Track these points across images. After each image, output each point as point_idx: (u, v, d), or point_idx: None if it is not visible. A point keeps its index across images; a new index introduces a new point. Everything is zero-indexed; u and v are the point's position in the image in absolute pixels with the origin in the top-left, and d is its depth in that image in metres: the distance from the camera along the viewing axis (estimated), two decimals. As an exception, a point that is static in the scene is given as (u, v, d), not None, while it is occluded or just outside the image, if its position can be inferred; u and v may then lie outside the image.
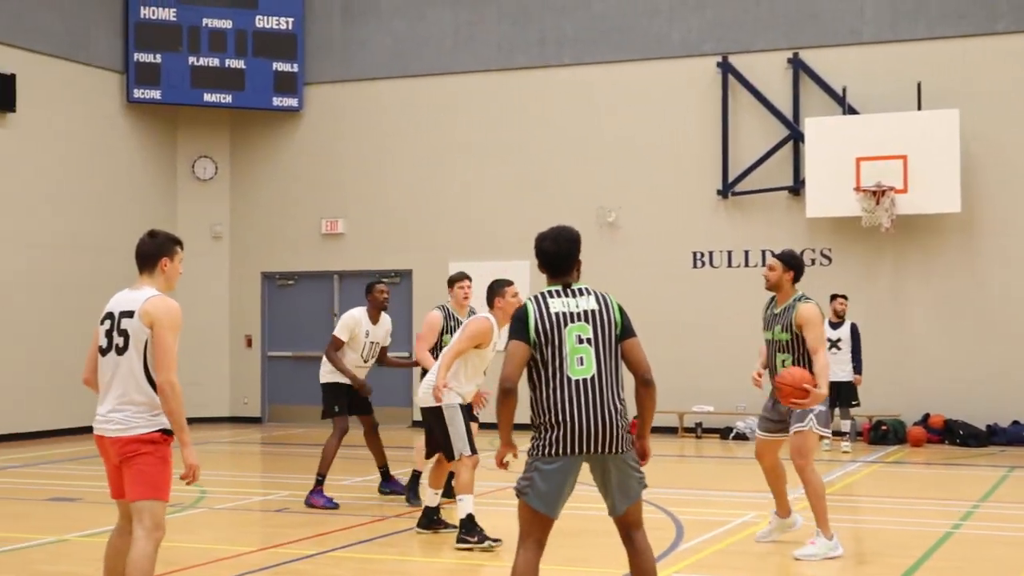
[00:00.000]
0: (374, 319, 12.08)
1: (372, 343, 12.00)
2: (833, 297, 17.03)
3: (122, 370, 6.30)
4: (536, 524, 6.03)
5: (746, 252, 19.26)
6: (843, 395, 16.52)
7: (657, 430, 19.07)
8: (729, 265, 19.29)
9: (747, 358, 18.19)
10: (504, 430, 6.04)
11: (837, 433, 17.09)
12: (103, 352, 6.41)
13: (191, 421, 12.70)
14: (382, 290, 12.16)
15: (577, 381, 6.11)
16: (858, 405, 16.85)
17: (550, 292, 6.59)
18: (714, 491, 12.99)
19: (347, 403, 11.95)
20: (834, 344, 16.71)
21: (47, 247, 19.10)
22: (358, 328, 11.92)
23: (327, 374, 12.07)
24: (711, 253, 19.43)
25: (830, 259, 18.82)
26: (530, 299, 6.34)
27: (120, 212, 20.54)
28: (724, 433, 18.62)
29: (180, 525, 10.62)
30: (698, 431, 18.88)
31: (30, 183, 18.95)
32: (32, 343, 18.72)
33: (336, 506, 11.48)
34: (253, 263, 21.90)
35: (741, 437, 18.38)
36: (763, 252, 19.13)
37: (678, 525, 10.36)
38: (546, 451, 5.96)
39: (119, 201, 20.59)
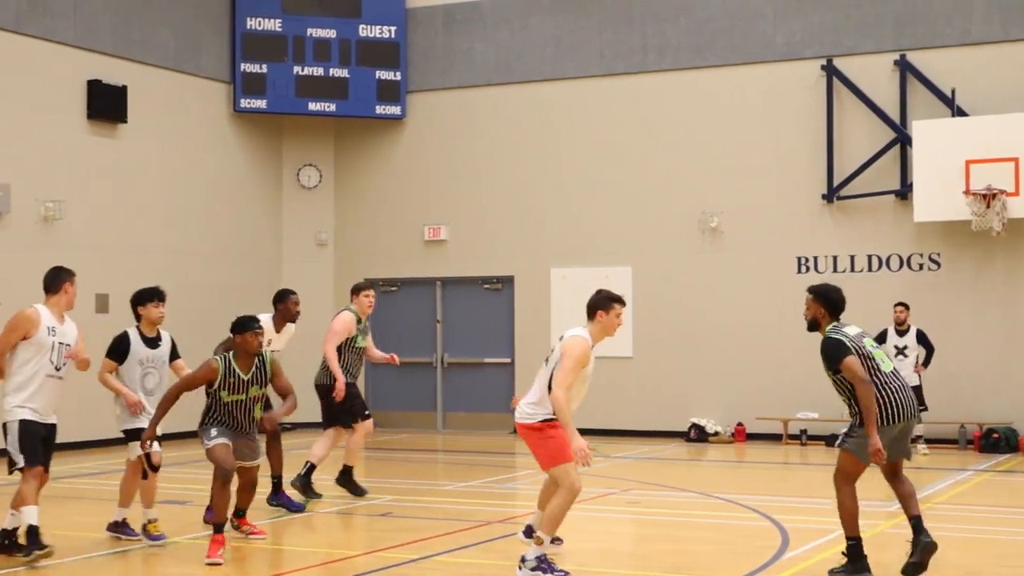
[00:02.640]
0: (278, 328, 11.82)
1: (272, 351, 10.84)
2: (895, 306, 17.28)
3: None
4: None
5: (852, 257, 19.03)
6: None
7: (761, 437, 18.95)
8: (834, 271, 19.07)
9: (853, 365, 17.99)
10: None
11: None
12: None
13: (298, 426, 12.77)
14: (296, 302, 11.90)
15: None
16: (925, 410, 16.78)
17: (840, 324, 8.83)
18: (820, 499, 12.83)
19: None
20: (900, 351, 17.04)
21: (155, 255, 19.51)
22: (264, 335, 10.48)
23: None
24: (816, 258, 19.22)
25: (939, 264, 18.52)
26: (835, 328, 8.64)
27: (227, 219, 20.91)
28: (829, 440, 18.39)
29: (289, 529, 10.79)
30: (803, 438, 18.68)
31: (139, 192, 19.37)
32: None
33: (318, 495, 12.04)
34: (357, 269, 22.11)
35: (847, 445, 18.10)
36: (869, 257, 18.89)
37: (783, 533, 10.27)
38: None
39: (225, 208, 20.96)
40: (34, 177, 17.81)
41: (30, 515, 8.90)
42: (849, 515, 8.78)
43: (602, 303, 9.15)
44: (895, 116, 18.77)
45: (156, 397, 9.80)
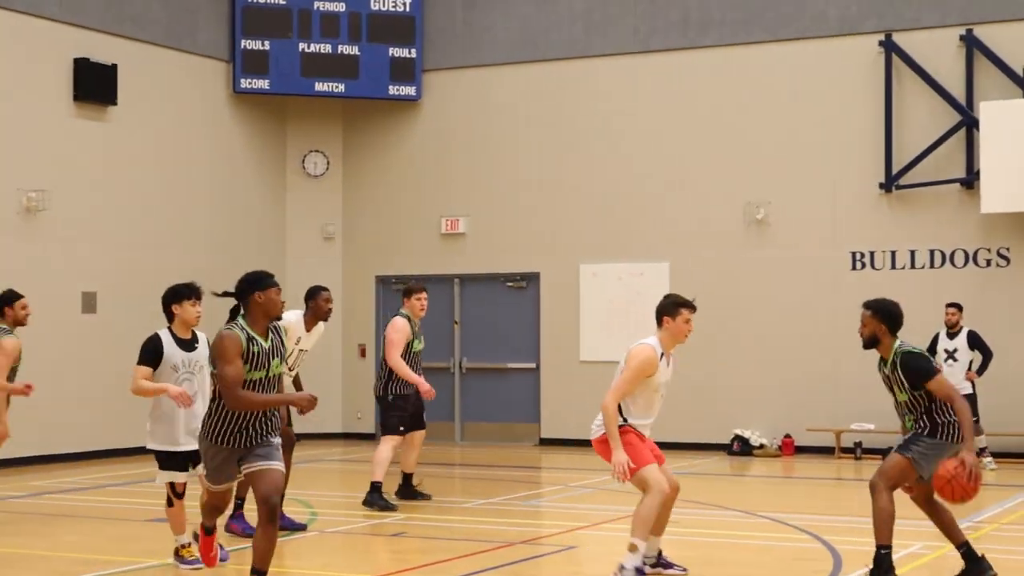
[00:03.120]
0: (309, 327, 12.01)
1: (300, 351, 11.85)
2: (946, 307, 17.39)
3: None
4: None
5: (912, 252, 18.98)
6: None
7: (812, 450, 18.91)
8: (893, 267, 19.02)
9: (914, 371, 17.94)
10: None
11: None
12: None
13: (300, 437, 12.81)
14: (328, 299, 12.01)
15: None
16: (978, 421, 16.89)
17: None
18: (876, 519, 12.80)
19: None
20: (950, 355, 17.23)
21: (148, 246, 19.60)
22: (293, 334, 11.54)
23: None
24: (872, 254, 19.18)
25: (1008, 260, 18.46)
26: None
27: (226, 210, 21.00)
28: (887, 454, 18.31)
29: (289, 550, 10.83)
30: (857, 452, 18.65)
31: (131, 180, 19.46)
32: (133, 351, 19.16)
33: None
34: (367, 266, 22.19)
35: (907, 459, 18.07)
36: (931, 252, 18.84)
37: (836, 556, 10.27)
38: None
39: (224, 198, 21.05)
40: (16, 164, 17.92)
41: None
42: (889, 518, 8.99)
43: (668, 309, 9.43)
44: (960, 97, 18.71)
45: (197, 406, 9.48)
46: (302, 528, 11.65)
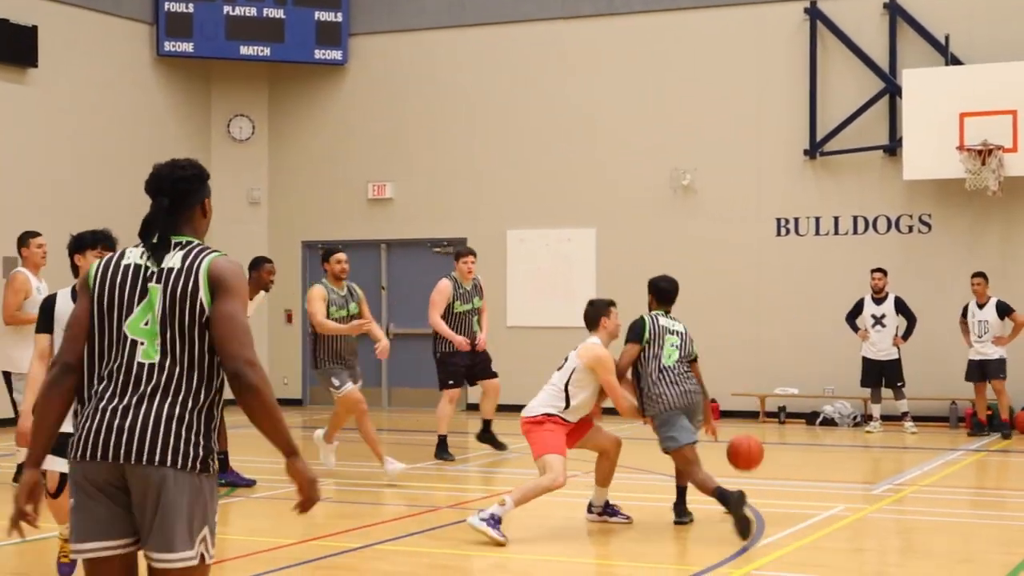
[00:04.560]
0: (251, 296, 12.11)
1: None
2: (872, 272, 17.63)
3: None
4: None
5: (836, 219, 19.12)
6: (888, 375, 17.22)
7: (737, 415, 19.06)
8: (817, 233, 19.16)
9: (836, 335, 18.16)
10: None
11: (890, 418, 17.32)
12: None
13: (227, 403, 12.86)
14: (271, 271, 12.70)
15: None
16: (903, 386, 17.35)
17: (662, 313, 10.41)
18: (799, 481, 12.95)
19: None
20: (878, 321, 17.53)
21: (70, 211, 19.31)
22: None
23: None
24: (796, 220, 19.31)
25: (930, 226, 18.65)
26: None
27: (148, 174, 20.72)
28: (810, 418, 18.55)
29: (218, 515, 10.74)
30: (781, 416, 18.82)
31: (51, 144, 19.17)
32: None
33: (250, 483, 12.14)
34: (293, 231, 22.04)
35: (829, 423, 18.29)
36: (854, 219, 18.99)
37: (759, 518, 10.34)
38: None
39: (148, 163, 20.50)
40: (-67, 127, 17.60)
41: None
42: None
43: (602, 310, 10.35)
44: (884, 64, 18.84)
45: None
46: (250, 484, 12.07)
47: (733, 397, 19.12)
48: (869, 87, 18.91)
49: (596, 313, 10.30)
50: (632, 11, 20.15)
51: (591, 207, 20.21)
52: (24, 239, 12.17)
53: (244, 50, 21.15)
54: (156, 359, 4.40)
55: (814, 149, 19.07)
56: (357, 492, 12.18)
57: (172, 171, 4.73)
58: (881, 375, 17.48)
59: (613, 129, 20.15)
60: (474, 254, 14.88)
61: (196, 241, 4.61)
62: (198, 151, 21.74)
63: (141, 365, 4.40)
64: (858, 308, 17.71)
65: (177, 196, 4.68)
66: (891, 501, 11.57)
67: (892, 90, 18.69)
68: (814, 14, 19.11)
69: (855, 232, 19.02)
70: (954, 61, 18.35)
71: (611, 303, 10.44)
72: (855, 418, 18.26)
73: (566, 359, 10.08)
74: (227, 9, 20.97)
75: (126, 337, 4.44)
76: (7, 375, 11.92)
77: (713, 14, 19.76)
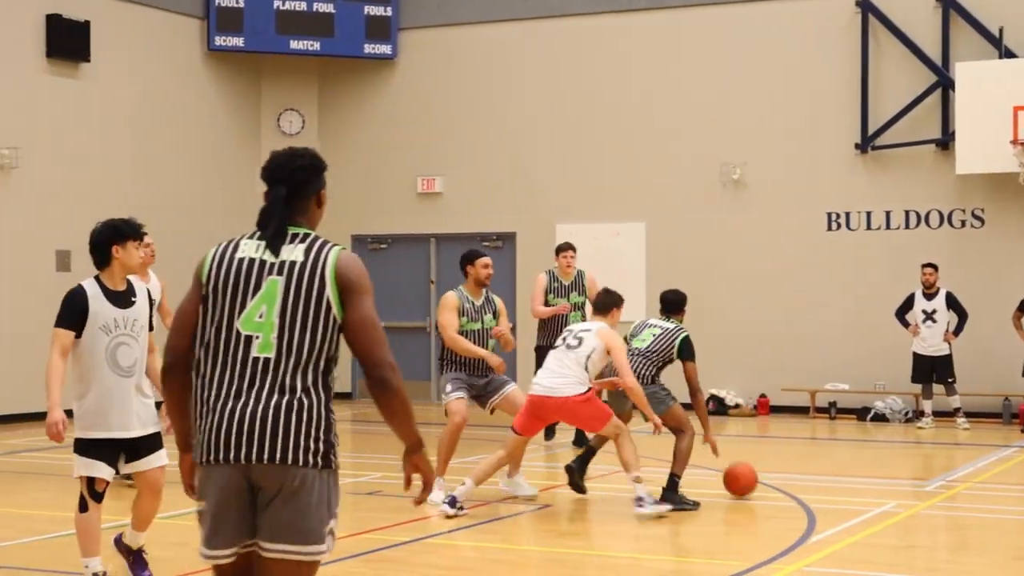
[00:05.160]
0: None
1: None
2: (923, 267, 17.51)
3: None
4: None
5: (887, 213, 19.00)
6: (939, 371, 17.10)
7: (787, 410, 18.98)
8: (868, 227, 19.04)
9: (886, 331, 18.04)
10: None
11: (942, 414, 17.19)
12: None
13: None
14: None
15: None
16: (954, 382, 17.24)
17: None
18: (850, 477, 12.88)
19: None
20: (929, 316, 17.38)
21: (122, 204, 19.37)
22: None
23: None
24: (848, 214, 19.20)
25: (982, 220, 18.50)
26: None
27: (200, 169, 20.87)
28: (861, 414, 18.43)
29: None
30: (832, 411, 18.72)
31: (103, 138, 19.32)
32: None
33: None
34: (343, 225, 22.08)
35: (880, 418, 18.17)
36: (906, 213, 18.86)
37: (810, 514, 10.30)
38: None
39: (199, 157, 20.91)
40: (-12, 122, 17.77)
41: None
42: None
43: (618, 301, 10.98)
44: (936, 58, 18.69)
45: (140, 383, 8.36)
46: None
47: (783, 392, 19.03)
48: (921, 80, 18.77)
49: (613, 302, 10.90)
50: (683, 5, 20.08)
51: (640, 201, 20.16)
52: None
53: (294, 44, 21.23)
54: (272, 354, 4.35)
55: (865, 143, 18.95)
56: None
57: (290, 160, 4.62)
58: (932, 371, 17.35)
59: (663, 123, 20.09)
60: (573, 248, 15.07)
61: (314, 233, 4.56)
62: (248, 146, 21.87)
63: (256, 360, 4.35)
64: (909, 303, 17.59)
65: (294, 185, 4.59)
66: (943, 498, 11.49)
67: (945, 83, 18.54)
68: (866, 7, 18.98)
69: (907, 227, 18.89)
70: (1008, 54, 18.18)
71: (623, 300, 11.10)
72: (906, 414, 18.14)
73: (579, 340, 10.50)
74: (277, 4, 21.05)
75: (239, 333, 4.38)
76: None
77: (764, 8, 19.67)
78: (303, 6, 21.14)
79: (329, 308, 4.40)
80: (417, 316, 21.50)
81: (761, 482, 11.57)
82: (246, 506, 4.37)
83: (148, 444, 7.56)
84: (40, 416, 17.81)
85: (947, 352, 17.30)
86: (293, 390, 4.33)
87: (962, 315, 17.33)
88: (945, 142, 18.55)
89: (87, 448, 7.35)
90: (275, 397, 4.32)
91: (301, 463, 4.31)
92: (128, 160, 19.67)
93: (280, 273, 4.40)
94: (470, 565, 8.74)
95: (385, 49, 21.56)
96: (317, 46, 21.32)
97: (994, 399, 18.05)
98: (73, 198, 18.77)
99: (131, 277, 7.76)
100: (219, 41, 20.93)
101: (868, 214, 19.09)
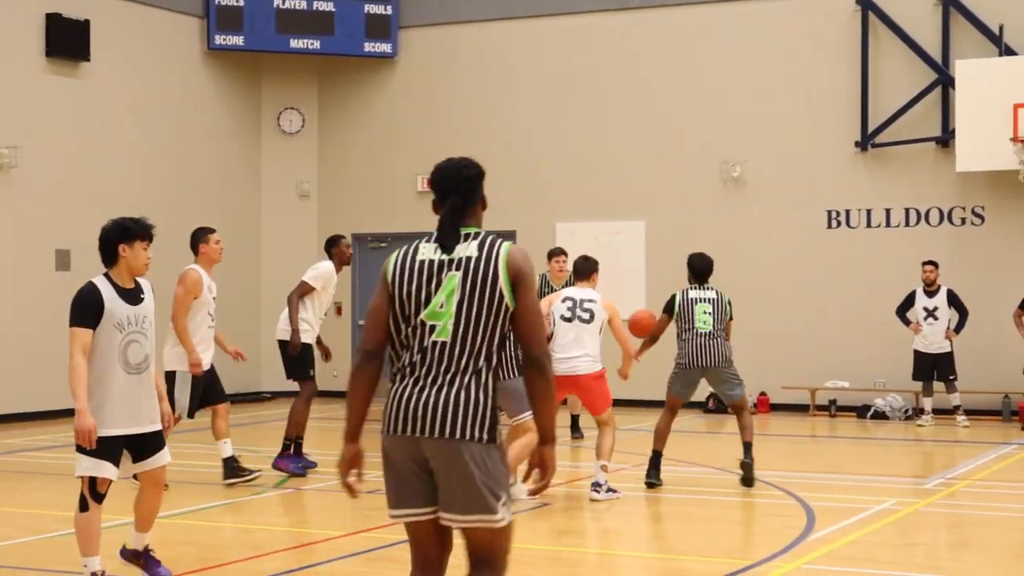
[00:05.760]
0: (338, 272, 12.91)
1: (331, 298, 13.07)
2: (923, 265, 17.51)
3: None
4: None
5: (887, 211, 19.00)
6: (940, 369, 17.05)
7: (787, 408, 18.97)
8: (868, 225, 19.04)
9: (887, 329, 18.04)
10: None
11: (942, 412, 17.18)
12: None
13: (277, 395, 12.86)
14: (348, 245, 13.04)
15: None
16: (955, 379, 17.25)
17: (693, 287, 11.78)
18: (849, 475, 12.88)
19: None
20: (930, 313, 17.39)
21: (122, 203, 19.36)
22: (331, 282, 12.68)
23: (286, 331, 12.57)
24: (848, 212, 19.19)
25: (983, 218, 18.49)
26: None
27: (200, 168, 20.87)
28: (861, 412, 18.43)
29: (266, 507, 10.82)
30: (832, 409, 18.72)
31: (103, 137, 19.31)
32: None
33: (314, 464, 12.40)
34: (343, 224, 22.05)
35: (880, 416, 18.18)
36: (906, 211, 18.86)
37: (809, 512, 10.30)
38: None
39: (199, 156, 20.91)
40: (-12, 121, 17.77)
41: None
42: (658, 433, 11.77)
43: (595, 267, 11.36)
44: (936, 55, 18.69)
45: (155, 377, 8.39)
46: (313, 465, 12.43)
47: (783, 391, 19.04)
48: (921, 78, 18.77)
49: (594, 267, 11.30)
50: (683, 3, 20.08)
51: (641, 199, 20.16)
52: (202, 235, 11.57)
53: (294, 43, 21.23)
54: (447, 338, 4.80)
55: (866, 141, 18.95)
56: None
57: (459, 171, 5.26)
58: (933, 368, 17.36)
59: (663, 121, 20.09)
60: (565, 253, 15.05)
61: (484, 230, 5.09)
62: (248, 144, 21.88)
63: (434, 344, 4.81)
64: (909, 301, 17.60)
65: (464, 194, 5.21)
66: (943, 496, 11.49)
67: (945, 81, 18.54)
68: (866, 4, 18.98)
69: (907, 224, 18.89)
70: (1008, 52, 18.18)
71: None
72: (906, 412, 18.14)
73: (590, 313, 10.92)
74: (277, 2, 21.05)
75: (423, 323, 4.85)
76: (171, 374, 11.14)
77: (764, 5, 19.66)
78: (303, 5, 21.14)
79: (502, 297, 4.84)
80: (417, 315, 21.44)
81: (761, 480, 11.59)
82: (423, 476, 4.86)
83: (155, 442, 7.55)
84: (41, 415, 17.88)
85: (948, 350, 17.31)
86: (465, 372, 4.77)
87: (963, 313, 17.34)
88: (945, 140, 18.55)
89: (96, 445, 7.25)
90: (447, 378, 4.78)
91: (463, 436, 4.72)
92: (128, 159, 19.67)
93: (458, 268, 4.89)
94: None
95: (385, 48, 21.56)
96: (317, 45, 21.32)
97: (994, 397, 18.05)
98: (73, 197, 18.77)
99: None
100: (219, 40, 20.93)
101: (868, 212, 19.09)
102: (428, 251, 5.00)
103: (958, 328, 17.36)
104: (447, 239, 4.99)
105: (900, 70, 18.93)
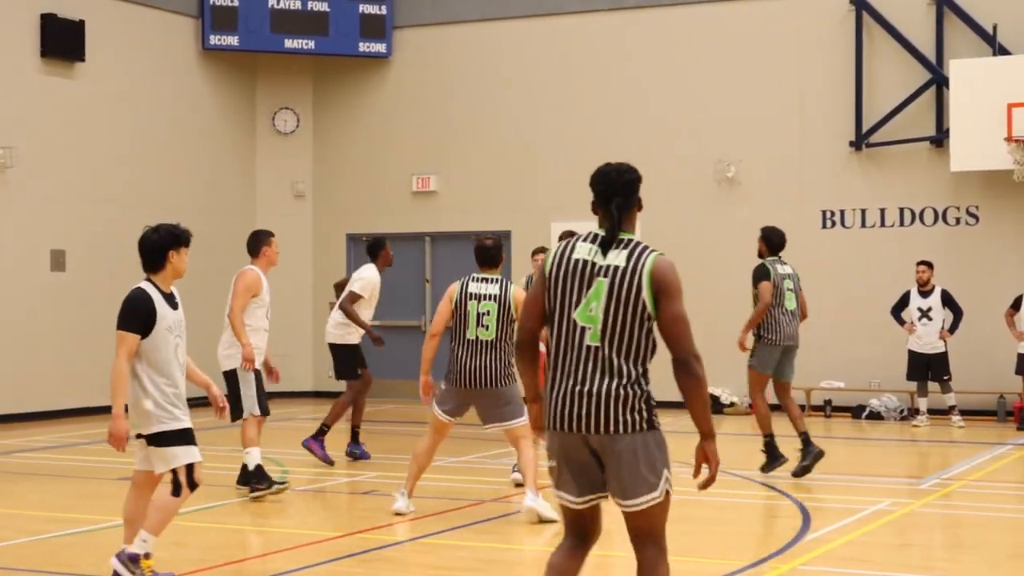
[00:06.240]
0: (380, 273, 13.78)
1: (375, 301, 13.77)
2: (917, 265, 17.52)
3: None
4: None
5: (882, 211, 19.00)
6: (935, 369, 17.11)
7: (781, 407, 18.93)
8: (863, 225, 19.04)
9: (882, 329, 18.04)
10: None
11: (937, 412, 17.18)
12: None
13: (272, 395, 12.85)
14: (389, 248, 13.94)
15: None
16: (949, 379, 17.27)
17: (776, 260, 12.71)
18: (845, 476, 12.88)
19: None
20: (924, 314, 17.41)
21: (117, 204, 19.45)
22: (376, 287, 13.59)
23: (339, 335, 13.74)
24: (842, 212, 19.19)
25: (977, 218, 18.50)
26: None
27: (195, 168, 20.84)
28: (856, 412, 18.44)
29: (261, 509, 10.80)
30: (827, 409, 18.72)
31: (99, 137, 19.29)
32: (100, 308, 19.07)
33: (367, 456, 13.65)
34: (338, 224, 22.09)
35: (875, 416, 18.18)
36: (901, 211, 18.86)
37: (805, 513, 10.30)
38: None
39: (194, 156, 20.89)
40: (-18, 121, 17.74)
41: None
42: (763, 417, 12.17)
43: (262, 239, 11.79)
44: (930, 55, 18.69)
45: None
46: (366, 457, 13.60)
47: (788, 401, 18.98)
48: (916, 78, 18.77)
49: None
50: (676, 3, 20.08)
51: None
52: (264, 237, 11.71)
53: (289, 43, 21.21)
54: (599, 343, 5.24)
55: (860, 140, 18.95)
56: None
57: (619, 175, 5.56)
58: (927, 369, 17.37)
59: (657, 121, 20.08)
60: (544, 251, 14.79)
61: (636, 239, 5.37)
62: (243, 144, 21.86)
63: (589, 348, 5.26)
64: (904, 301, 17.60)
65: (625, 196, 5.50)
66: (938, 496, 11.49)
67: (939, 81, 18.54)
68: (860, 4, 18.97)
69: (901, 224, 18.89)
70: (1002, 51, 18.19)
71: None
72: (902, 412, 18.15)
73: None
74: (272, 2, 21.03)
75: (575, 323, 5.29)
76: (231, 374, 11.14)
77: (758, 5, 19.66)
78: (298, 4, 21.12)
79: (644, 307, 5.24)
80: (412, 315, 21.48)
81: (756, 480, 11.58)
82: (587, 466, 5.36)
83: None
84: (36, 416, 17.84)
85: (942, 350, 17.31)
86: (619, 374, 5.24)
87: (957, 313, 17.34)
88: (939, 139, 18.56)
89: (178, 437, 7.52)
90: (604, 380, 5.25)
91: (628, 430, 5.24)
92: (122, 159, 19.65)
93: (605, 276, 5.27)
94: (465, 565, 8.73)
95: (380, 48, 21.55)
96: (312, 45, 21.29)
97: (989, 397, 18.05)
98: (68, 198, 18.75)
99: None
100: (214, 40, 20.90)
101: (863, 212, 19.09)
102: (584, 251, 5.37)
103: (952, 328, 17.36)
104: (606, 242, 5.35)
105: (894, 70, 18.93)
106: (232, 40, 21.00)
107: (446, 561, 8.79)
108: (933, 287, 17.44)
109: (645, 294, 5.20)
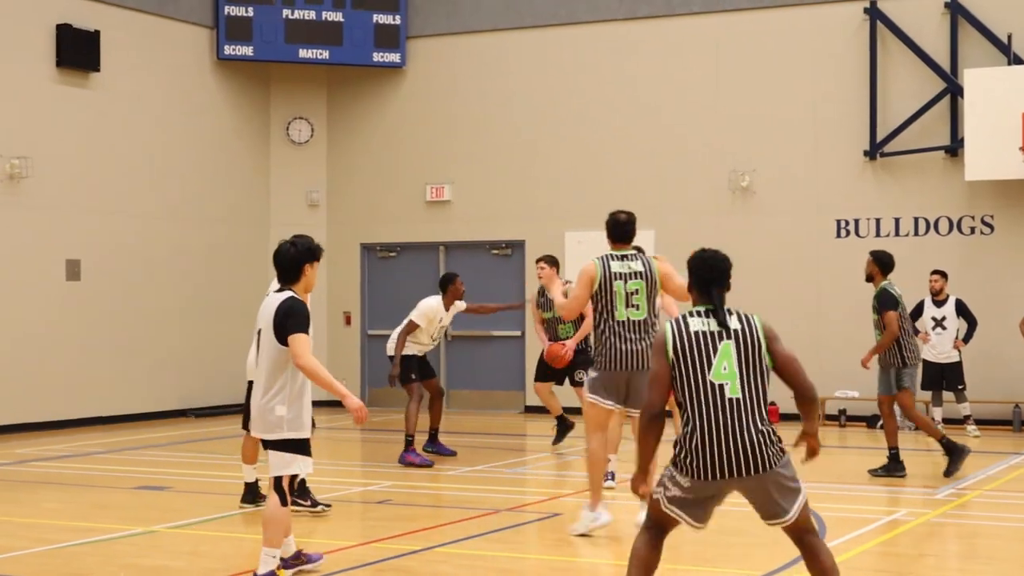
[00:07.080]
0: (447, 307, 14.52)
1: (442, 327, 14.65)
2: (931, 274, 17.46)
3: None
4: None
5: (896, 220, 18.97)
6: (949, 379, 17.13)
7: (796, 417, 18.85)
8: (877, 234, 19.00)
9: (898, 338, 17.96)
10: None
11: (952, 421, 17.12)
12: None
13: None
14: (461, 282, 14.66)
15: None
16: (964, 389, 17.24)
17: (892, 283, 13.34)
18: (861, 486, 12.85)
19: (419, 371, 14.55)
20: (939, 323, 17.33)
21: (132, 213, 19.50)
22: (436, 316, 14.38)
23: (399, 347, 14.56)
24: (857, 221, 19.16)
25: (992, 227, 18.46)
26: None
27: (210, 177, 20.88)
28: (871, 421, 18.39)
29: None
30: (842, 419, 18.68)
31: (114, 147, 19.34)
32: (118, 318, 19.14)
33: (453, 453, 14.68)
34: (352, 233, 22.11)
35: (890, 426, 18.09)
36: (915, 220, 18.82)
37: (820, 523, 10.26)
38: None
39: (208, 166, 20.93)
40: (-2, 131, 17.80)
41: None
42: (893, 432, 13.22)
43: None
44: (945, 64, 18.66)
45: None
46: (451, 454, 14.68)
47: (792, 400, 18.93)
48: (930, 87, 18.74)
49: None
50: (690, 12, 20.07)
51: (649, 209, 20.09)
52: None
53: (303, 53, 21.24)
54: (740, 395, 6.19)
55: (874, 150, 18.93)
56: (416, 495, 12.19)
57: (718, 262, 6.51)
58: (942, 378, 17.31)
59: (672, 130, 20.08)
60: (546, 260, 15.11)
61: (737, 309, 6.38)
62: (257, 154, 21.90)
63: (731, 400, 6.18)
64: (918, 310, 17.55)
65: (724, 282, 6.51)
66: (954, 506, 11.45)
67: (953, 90, 18.51)
68: (874, 14, 18.96)
69: (916, 233, 18.86)
70: (1017, 61, 18.15)
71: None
72: (916, 421, 18.07)
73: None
74: (286, 12, 21.08)
75: (712, 383, 6.19)
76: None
77: (772, 15, 19.65)
78: (312, 15, 21.16)
79: (763, 357, 6.32)
80: (426, 324, 21.43)
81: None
82: (717, 499, 6.41)
83: None
84: (51, 425, 17.88)
85: (957, 359, 17.26)
86: (760, 419, 6.23)
87: (972, 322, 17.29)
88: (954, 149, 18.52)
89: (302, 446, 7.92)
90: (749, 427, 6.18)
91: (767, 469, 6.20)
92: (138, 169, 19.69)
93: (730, 338, 6.27)
94: (479, 574, 8.72)
95: (394, 57, 21.58)
96: (326, 55, 21.33)
97: (1004, 406, 18.00)
98: (83, 208, 18.80)
99: None
100: (228, 50, 20.95)
101: (877, 221, 19.05)
102: (698, 323, 6.30)
103: (967, 338, 17.30)
104: (719, 316, 6.31)
105: (909, 79, 18.90)
106: (247, 50, 21.05)
107: (459, 571, 8.78)
108: (947, 296, 17.39)
109: (763, 347, 6.27)
